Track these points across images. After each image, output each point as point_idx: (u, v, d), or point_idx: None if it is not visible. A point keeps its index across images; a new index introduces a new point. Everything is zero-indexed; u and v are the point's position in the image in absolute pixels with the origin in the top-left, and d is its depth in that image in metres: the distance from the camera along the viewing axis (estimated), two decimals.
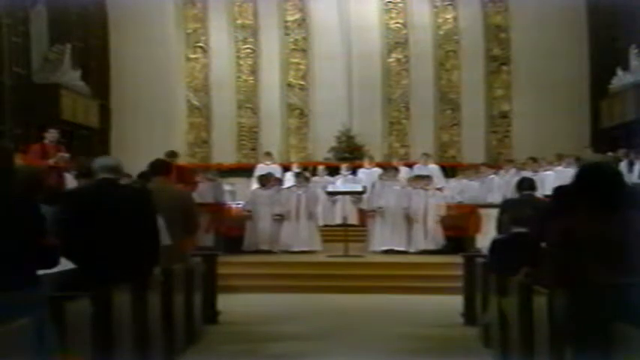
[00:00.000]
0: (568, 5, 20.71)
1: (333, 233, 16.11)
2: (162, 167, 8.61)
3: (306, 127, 22.33)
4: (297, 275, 13.51)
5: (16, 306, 4.02)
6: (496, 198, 16.06)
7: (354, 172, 19.02)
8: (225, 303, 10.44)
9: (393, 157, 20.71)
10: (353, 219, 16.86)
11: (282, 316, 10.70)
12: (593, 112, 20.83)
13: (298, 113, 22.40)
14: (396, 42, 22.28)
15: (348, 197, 17.04)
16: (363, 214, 16.83)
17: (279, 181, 17.37)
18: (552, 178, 15.27)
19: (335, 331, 9.50)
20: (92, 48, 20.05)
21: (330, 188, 17.26)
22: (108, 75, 20.88)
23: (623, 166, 15.04)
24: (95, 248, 5.74)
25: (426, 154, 19.67)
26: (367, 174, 18.60)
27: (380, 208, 15.75)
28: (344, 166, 19.02)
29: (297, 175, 17.32)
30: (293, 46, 22.43)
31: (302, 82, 22.38)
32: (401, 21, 22.31)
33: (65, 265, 5.02)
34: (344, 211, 16.83)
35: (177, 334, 7.57)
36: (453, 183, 18.77)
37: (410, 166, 19.31)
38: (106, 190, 6.12)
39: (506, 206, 9.07)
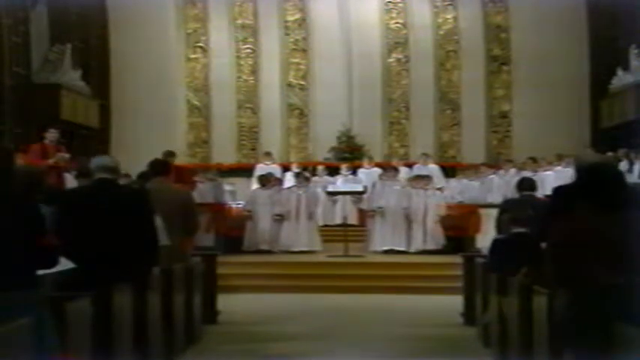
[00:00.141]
0: (568, 5, 20.71)
1: (333, 233, 16.11)
2: (161, 167, 8.61)
3: (306, 127, 22.33)
4: (297, 275, 13.52)
5: (16, 306, 4.02)
6: (496, 198, 16.06)
7: (354, 172, 19.02)
8: (225, 303, 10.44)
9: (393, 157, 20.70)
10: (353, 219, 16.86)
11: (282, 316, 10.69)
12: (593, 112, 20.84)
13: (298, 113, 22.40)
14: (396, 42, 22.27)
15: (348, 197, 17.04)
16: (363, 214, 16.82)
17: (279, 181, 17.38)
18: (552, 178, 15.26)
19: (335, 331, 9.50)
20: (92, 48, 20.06)
21: (330, 188, 17.26)
22: (108, 75, 20.89)
23: (623, 166, 15.05)
24: (92, 248, 5.73)
25: (425, 154, 19.67)
26: (367, 174, 18.60)
27: (380, 208, 15.74)
28: (344, 166, 19.03)
29: (297, 175, 17.32)
30: (293, 46, 22.43)
31: (302, 82, 22.38)
32: (401, 21, 22.31)
33: (65, 264, 5.02)
34: (344, 211, 16.83)
35: (177, 334, 7.57)
36: (453, 183, 18.78)
37: (410, 166, 19.31)
38: (104, 190, 6.12)
39: (506, 206, 9.06)
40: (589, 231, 4.31)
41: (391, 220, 15.63)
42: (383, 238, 15.62)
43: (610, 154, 16.21)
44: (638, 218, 4.31)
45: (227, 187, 18.62)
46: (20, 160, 9.65)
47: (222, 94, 22.14)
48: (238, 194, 18.62)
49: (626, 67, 18.74)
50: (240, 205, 16.86)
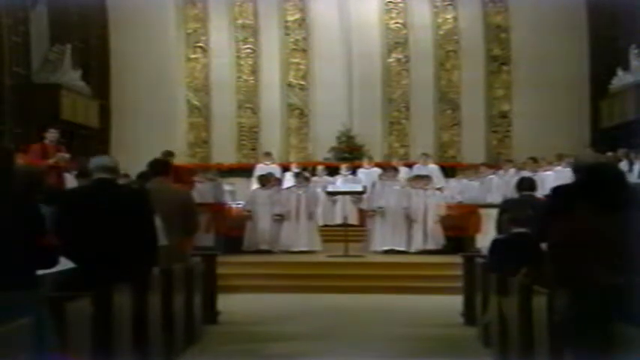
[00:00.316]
0: (568, 5, 20.71)
1: (333, 233, 16.11)
2: (161, 167, 8.60)
3: (306, 127, 22.33)
4: (297, 275, 13.51)
5: (16, 306, 4.02)
6: (495, 198, 16.06)
7: (353, 172, 19.02)
8: (225, 303, 10.44)
9: (392, 157, 20.69)
10: (353, 219, 16.86)
11: (282, 316, 10.69)
12: (593, 112, 20.84)
13: (298, 113, 22.40)
14: (396, 42, 22.27)
15: (348, 197, 17.04)
16: (363, 214, 16.83)
17: (279, 181, 17.38)
18: (552, 178, 15.25)
19: (335, 331, 9.50)
20: (92, 48, 20.06)
21: (330, 188, 17.26)
22: (108, 75, 20.89)
23: (623, 166, 15.04)
24: (92, 248, 5.73)
25: (425, 154, 19.67)
26: (367, 174, 18.60)
27: (380, 208, 15.74)
28: (344, 166, 19.03)
29: (297, 175, 17.32)
30: (293, 46, 22.43)
31: (302, 82, 22.38)
32: (401, 21, 22.31)
33: (65, 264, 5.03)
34: (344, 211, 16.85)
35: (177, 334, 7.57)
36: (453, 183, 18.78)
37: (410, 166, 19.31)
38: (103, 190, 6.12)
39: (505, 206, 9.06)
40: (589, 231, 4.32)
41: (391, 220, 15.63)
42: (383, 238, 15.62)
43: (610, 154, 16.22)
44: (638, 218, 4.31)
45: (227, 187, 18.62)
46: (20, 160, 9.65)
47: (222, 94, 22.14)
48: (238, 194, 18.61)
49: (626, 67, 18.75)
50: (240, 205, 16.86)
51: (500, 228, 8.54)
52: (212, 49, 22.29)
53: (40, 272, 4.39)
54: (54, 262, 4.48)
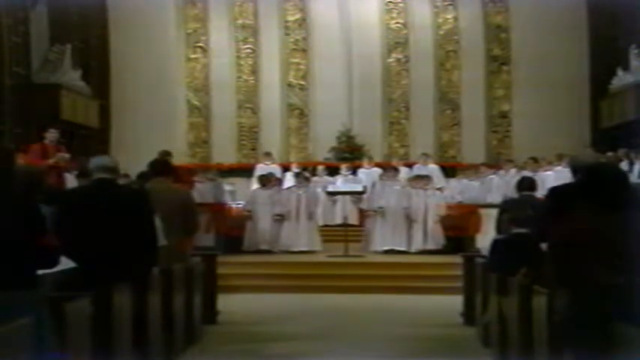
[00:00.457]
0: (568, 5, 20.71)
1: (333, 233, 16.12)
2: (162, 167, 8.60)
3: (306, 127, 22.33)
4: (297, 275, 13.52)
5: (16, 306, 4.02)
6: (495, 198, 16.06)
7: (354, 172, 19.02)
8: (225, 303, 10.44)
9: (392, 157, 20.69)
10: (353, 219, 16.85)
11: (282, 316, 10.69)
12: (593, 112, 20.84)
13: (298, 113, 22.40)
14: (396, 42, 22.27)
15: (348, 197, 17.04)
16: (363, 214, 16.83)
17: (279, 181, 17.38)
18: (552, 178, 15.25)
19: (335, 331, 9.50)
20: (92, 48, 20.06)
21: (330, 188, 17.27)
22: (108, 75, 20.89)
23: (623, 166, 15.03)
24: (92, 248, 5.73)
25: (425, 154, 19.68)
26: (367, 174, 18.60)
27: (380, 208, 15.74)
28: (344, 166, 19.03)
29: (297, 175, 17.32)
30: (293, 46, 22.43)
31: (302, 82, 22.38)
32: (401, 21, 22.31)
33: (66, 264, 5.03)
34: (344, 211, 16.85)
35: (177, 334, 7.57)
36: (453, 183, 18.78)
37: (410, 166, 19.32)
38: (103, 190, 6.12)
39: (505, 206, 9.07)
40: (589, 231, 4.31)
41: (391, 220, 15.63)
42: (383, 238, 15.62)
43: (610, 154, 16.22)
44: (638, 218, 4.31)
45: (227, 187, 18.62)
46: (20, 160, 9.65)
47: (222, 94, 22.14)
48: (238, 194, 18.61)
49: (626, 67, 18.74)
50: (240, 205, 16.86)
51: (500, 228, 8.54)
52: (212, 49, 22.29)
53: (40, 272, 4.39)
54: (54, 262, 4.49)
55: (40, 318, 4.09)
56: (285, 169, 19.51)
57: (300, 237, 15.68)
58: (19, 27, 16.04)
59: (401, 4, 22.28)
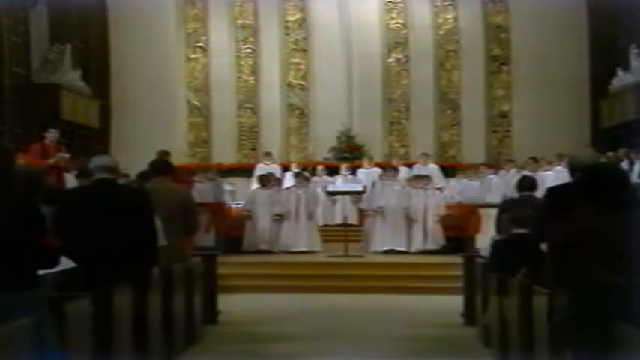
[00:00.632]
0: (568, 5, 20.71)
1: (333, 233, 16.12)
2: (163, 167, 8.60)
3: (306, 127, 22.33)
4: (297, 275, 13.52)
5: (16, 306, 4.02)
6: (495, 198, 16.06)
7: (354, 172, 19.02)
8: (225, 303, 10.44)
9: (393, 157, 20.69)
10: (353, 219, 16.85)
11: (282, 316, 10.69)
12: (593, 112, 20.85)
13: (298, 113, 22.40)
14: (396, 42, 22.27)
15: (348, 197, 17.05)
16: (362, 214, 16.83)
17: (279, 181, 17.38)
18: (552, 178, 15.25)
19: (335, 331, 9.50)
20: (92, 48, 20.06)
21: (330, 188, 17.27)
22: (108, 75, 20.89)
23: (623, 166, 15.03)
24: (92, 248, 5.73)
25: (425, 154, 19.68)
26: (367, 174, 18.61)
27: (380, 208, 15.74)
28: (344, 166, 19.04)
29: (297, 175, 17.32)
30: (293, 46, 22.43)
31: (302, 82, 22.38)
32: (401, 21, 22.31)
33: (66, 264, 5.02)
34: (344, 211, 16.86)
35: (177, 334, 7.57)
36: (453, 183, 18.77)
37: (410, 166, 19.32)
38: (103, 190, 6.12)
39: (505, 206, 9.07)
40: (589, 231, 4.31)
41: (391, 220, 15.63)
42: (383, 238, 15.62)
43: (610, 154, 16.22)
44: (638, 218, 4.31)
45: (227, 187, 18.61)
46: (21, 160, 9.65)
47: (222, 94, 22.14)
48: (238, 194, 18.61)
49: (626, 67, 18.75)
50: (240, 205, 16.86)
51: (500, 228, 8.54)
52: (212, 49, 22.29)
53: (40, 272, 4.38)
54: (55, 262, 4.49)
55: (41, 318, 4.09)
56: (285, 169, 19.52)
57: (300, 237, 15.68)
58: (19, 27, 16.04)
59: (401, 4, 22.28)
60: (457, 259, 11.61)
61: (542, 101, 20.77)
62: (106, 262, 5.66)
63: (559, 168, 16.61)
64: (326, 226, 17.09)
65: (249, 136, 22.39)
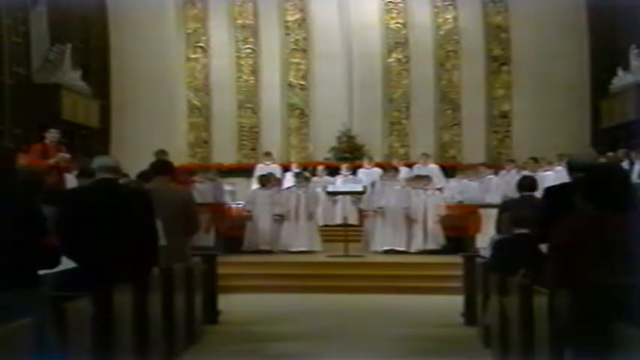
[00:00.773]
0: (568, 5, 20.72)
1: (333, 233, 16.12)
2: (163, 167, 8.60)
3: (306, 127, 22.33)
4: (297, 275, 13.51)
5: (16, 306, 4.02)
6: (494, 198, 16.07)
7: (354, 172, 19.03)
8: (225, 303, 10.44)
9: (393, 157, 20.70)
10: (353, 219, 16.86)
11: (282, 316, 10.70)
12: (593, 112, 20.85)
13: (298, 113, 22.40)
14: (396, 42, 22.27)
15: (348, 197, 17.05)
16: (362, 214, 16.84)
17: (279, 181, 17.38)
18: (552, 178, 15.25)
19: (335, 331, 9.50)
20: (92, 48, 20.07)
21: (330, 188, 17.27)
22: (108, 75, 20.90)
23: (623, 166, 15.04)
24: (92, 248, 5.74)
25: (425, 154, 19.68)
26: (367, 174, 18.61)
27: (380, 208, 15.74)
28: (344, 166, 19.04)
29: (297, 175, 17.32)
30: (293, 46, 22.43)
31: (302, 82, 22.38)
32: (401, 21, 22.31)
33: (66, 264, 5.03)
34: (344, 211, 16.86)
35: (177, 334, 7.57)
36: (453, 183, 18.77)
37: (410, 166, 19.32)
38: (104, 190, 6.12)
39: (505, 206, 9.06)
40: (590, 231, 4.31)
41: (391, 220, 15.63)
42: (383, 238, 15.62)
43: (610, 154, 16.22)
44: (639, 218, 4.31)
45: (227, 187, 18.61)
46: (21, 160, 9.66)
47: (222, 94, 22.14)
48: (238, 194, 18.61)
49: (626, 67, 18.75)
50: (240, 205, 16.86)
51: (500, 228, 8.54)
52: (212, 49, 22.29)
53: (41, 272, 4.39)
54: (55, 263, 4.49)
55: (41, 318, 4.09)
56: (285, 169, 19.52)
57: (300, 237, 15.68)
58: (19, 27, 16.05)
59: (401, 4, 22.28)
60: (457, 259, 11.60)
61: (542, 101, 20.77)
62: (106, 263, 5.67)
63: (559, 168, 16.60)
64: (326, 226, 17.10)
65: (250, 136, 22.39)
